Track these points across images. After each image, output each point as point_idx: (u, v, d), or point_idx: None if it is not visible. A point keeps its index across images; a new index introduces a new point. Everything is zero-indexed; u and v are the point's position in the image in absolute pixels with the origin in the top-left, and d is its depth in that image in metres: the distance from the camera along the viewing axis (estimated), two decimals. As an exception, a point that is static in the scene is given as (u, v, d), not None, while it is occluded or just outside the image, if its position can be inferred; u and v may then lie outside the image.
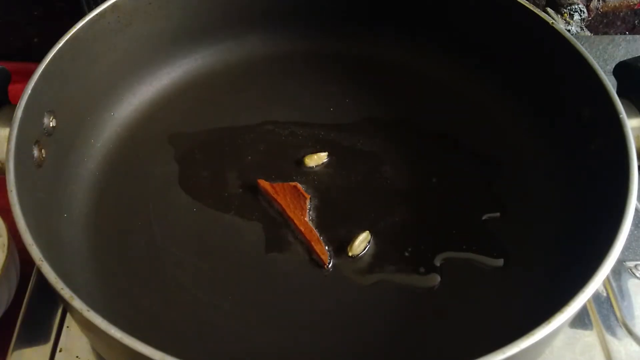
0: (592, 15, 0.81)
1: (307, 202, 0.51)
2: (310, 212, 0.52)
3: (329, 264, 0.49)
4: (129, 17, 0.55)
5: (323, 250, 0.49)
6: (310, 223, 0.51)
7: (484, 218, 0.52)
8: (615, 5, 0.76)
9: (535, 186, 0.53)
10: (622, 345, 0.51)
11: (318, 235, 0.50)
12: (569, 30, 0.81)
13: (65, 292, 0.36)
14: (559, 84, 0.53)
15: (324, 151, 0.56)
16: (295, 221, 0.50)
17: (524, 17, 0.53)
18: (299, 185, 0.52)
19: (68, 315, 0.51)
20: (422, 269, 0.49)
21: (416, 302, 0.47)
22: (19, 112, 0.44)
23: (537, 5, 0.66)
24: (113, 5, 0.53)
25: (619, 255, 0.39)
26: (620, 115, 0.45)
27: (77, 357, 0.49)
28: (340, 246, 0.50)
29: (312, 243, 0.49)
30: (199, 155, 0.56)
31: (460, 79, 0.60)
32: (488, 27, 0.57)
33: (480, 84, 0.59)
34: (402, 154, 0.56)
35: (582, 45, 0.50)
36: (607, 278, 0.55)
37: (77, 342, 0.50)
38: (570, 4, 0.74)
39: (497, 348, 0.33)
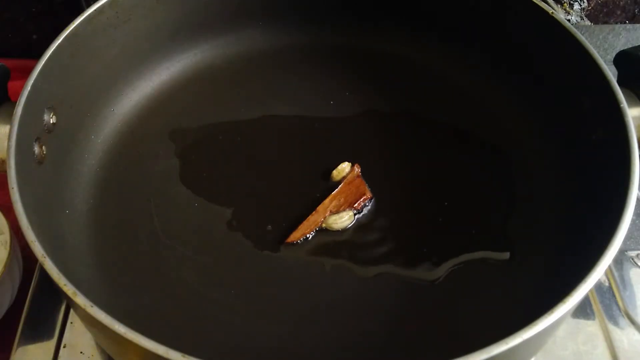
0: (592, 5, 0.80)
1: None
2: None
3: (297, 241, 0.49)
4: (127, 12, 0.54)
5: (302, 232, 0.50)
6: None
7: (487, 210, 0.52)
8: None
9: (536, 177, 0.53)
10: (624, 334, 0.51)
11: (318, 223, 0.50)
12: (569, 20, 0.80)
13: (69, 288, 0.36)
14: (559, 74, 0.53)
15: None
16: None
17: (523, 7, 0.53)
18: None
19: (72, 311, 0.51)
20: (424, 262, 0.49)
21: (419, 295, 0.47)
22: (19, 109, 0.44)
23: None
24: (112, 1, 0.52)
25: (621, 245, 0.39)
26: (621, 105, 0.45)
27: (81, 352, 0.49)
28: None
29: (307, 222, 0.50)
30: (199, 150, 0.56)
31: (460, 71, 0.60)
32: (488, 18, 0.57)
33: (480, 75, 0.59)
34: (402, 146, 0.56)
35: (582, 34, 0.49)
36: (609, 268, 0.55)
37: (81, 338, 0.50)
38: (570, -6, 0.74)
39: (500, 339, 0.34)
